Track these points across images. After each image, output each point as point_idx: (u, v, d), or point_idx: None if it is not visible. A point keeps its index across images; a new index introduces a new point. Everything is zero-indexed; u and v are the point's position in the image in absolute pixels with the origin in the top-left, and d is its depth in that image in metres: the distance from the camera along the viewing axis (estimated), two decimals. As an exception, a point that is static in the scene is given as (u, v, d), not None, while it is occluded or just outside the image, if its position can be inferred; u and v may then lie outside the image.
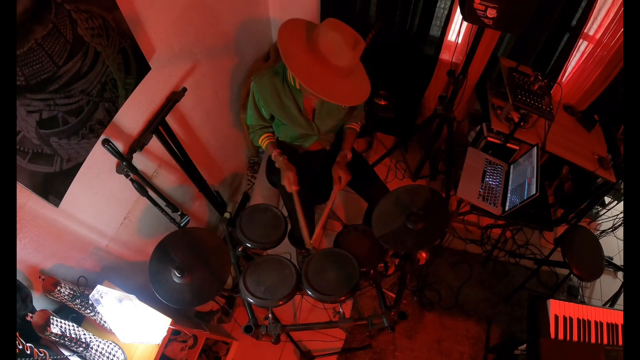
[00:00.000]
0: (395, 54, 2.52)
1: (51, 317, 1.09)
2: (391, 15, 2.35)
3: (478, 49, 1.92)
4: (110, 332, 1.27)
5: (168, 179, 1.76)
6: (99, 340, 1.25)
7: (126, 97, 1.31)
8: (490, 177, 2.16)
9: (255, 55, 2.21)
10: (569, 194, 2.67)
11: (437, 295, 2.39)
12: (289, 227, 1.63)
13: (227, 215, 2.21)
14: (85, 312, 1.27)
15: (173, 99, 1.53)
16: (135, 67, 1.29)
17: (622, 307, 2.11)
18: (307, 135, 1.68)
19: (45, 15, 0.93)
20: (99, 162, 1.29)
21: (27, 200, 1.06)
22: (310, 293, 1.35)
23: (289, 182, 1.58)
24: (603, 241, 2.23)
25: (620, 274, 2.69)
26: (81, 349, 1.18)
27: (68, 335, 1.14)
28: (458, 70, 2.04)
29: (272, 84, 1.52)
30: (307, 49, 1.34)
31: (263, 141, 1.71)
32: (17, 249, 1.07)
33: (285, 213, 1.70)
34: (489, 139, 2.30)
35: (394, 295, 1.68)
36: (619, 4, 2.01)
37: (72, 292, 1.20)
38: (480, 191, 2.08)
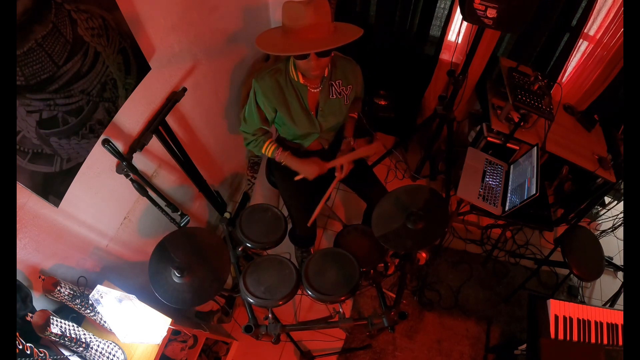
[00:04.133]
0: (395, 54, 2.52)
1: (51, 317, 1.09)
2: (391, 15, 2.35)
3: (478, 49, 1.92)
4: (110, 332, 1.27)
5: (168, 179, 1.76)
6: (99, 340, 1.25)
7: (126, 97, 1.31)
8: (490, 177, 2.16)
9: (255, 55, 2.21)
10: (569, 194, 2.66)
11: (437, 295, 2.39)
12: (289, 227, 1.63)
13: (227, 215, 2.21)
14: (85, 312, 1.27)
15: (173, 99, 1.53)
16: (135, 67, 1.29)
17: (622, 307, 2.11)
18: (308, 134, 1.68)
19: (45, 15, 0.93)
20: (99, 162, 1.29)
21: (27, 200, 1.06)
22: (310, 293, 1.35)
23: (319, 168, 1.59)
24: (603, 241, 2.23)
25: (620, 274, 2.69)
26: (81, 349, 1.18)
27: (68, 335, 1.14)
28: (458, 70, 2.04)
29: (275, 81, 1.51)
30: (279, 33, 1.38)
31: (268, 148, 1.65)
32: (17, 249, 1.07)
33: (286, 213, 1.70)
34: (489, 139, 2.30)
35: (394, 295, 1.68)
36: (619, 4, 2.01)
37: (72, 292, 1.20)
38: (480, 191, 2.08)
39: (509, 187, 2.12)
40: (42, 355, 1.02)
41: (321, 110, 1.58)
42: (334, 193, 2.50)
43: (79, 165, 1.20)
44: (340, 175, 1.60)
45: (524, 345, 1.91)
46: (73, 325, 1.18)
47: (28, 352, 0.99)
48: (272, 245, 1.53)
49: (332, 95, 1.57)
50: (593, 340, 1.69)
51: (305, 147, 1.75)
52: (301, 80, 1.50)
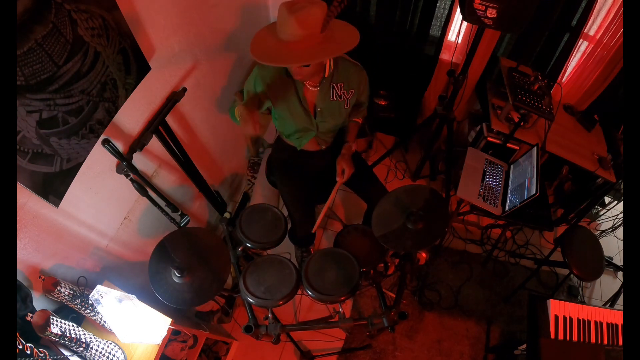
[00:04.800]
0: (395, 54, 2.52)
1: (51, 317, 1.09)
2: (391, 15, 2.35)
3: (478, 49, 1.91)
4: (110, 332, 1.27)
5: (168, 179, 1.76)
6: (99, 340, 1.25)
7: (126, 97, 1.31)
8: (490, 177, 2.16)
9: (255, 55, 2.21)
10: (569, 194, 2.67)
11: (437, 295, 2.39)
12: (289, 227, 1.63)
13: (227, 215, 2.21)
14: (85, 312, 1.27)
15: (173, 99, 1.53)
16: (135, 67, 1.29)
17: (622, 307, 2.11)
18: (305, 129, 1.67)
19: (45, 15, 0.93)
20: (99, 162, 1.29)
21: (27, 200, 1.06)
22: (310, 293, 1.35)
23: (252, 128, 1.38)
24: (603, 241, 2.23)
25: (620, 274, 2.69)
26: (81, 349, 1.18)
27: (68, 335, 1.14)
28: (458, 70, 2.04)
29: (277, 72, 1.51)
30: (270, 33, 1.36)
31: (237, 109, 1.48)
32: (17, 249, 1.07)
33: (286, 213, 1.70)
34: (489, 139, 2.30)
35: (394, 295, 1.68)
36: (619, 4, 2.01)
37: (72, 292, 1.20)
38: (480, 191, 2.08)
39: (509, 187, 2.12)
40: (42, 355, 1.02)
41: (320, 111, 1.58)
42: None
43: (79, 165, 1.20)
44: (341, 179, 1.60)
45: (524, 345, 1.91)
46: (73, 325, 1.18)
47: (28, 352, 0.99)
48: (272, 245, 1.53)
49: (333, 98, 1.56)
50: (593, 340, 1.69)
51: (302, 146, 1.74)
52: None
